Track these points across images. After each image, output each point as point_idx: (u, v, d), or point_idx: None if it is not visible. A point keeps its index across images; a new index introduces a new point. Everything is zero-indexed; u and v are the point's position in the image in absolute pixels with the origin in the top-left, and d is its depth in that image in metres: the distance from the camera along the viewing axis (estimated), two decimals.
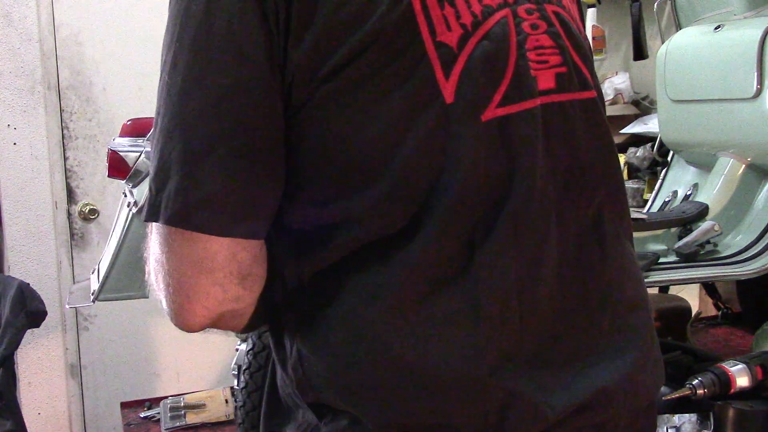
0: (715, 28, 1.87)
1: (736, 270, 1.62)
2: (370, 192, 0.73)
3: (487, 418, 0.74)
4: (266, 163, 0.73)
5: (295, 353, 0.79)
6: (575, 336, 0.79)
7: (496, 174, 0.75)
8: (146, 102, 2.58)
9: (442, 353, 0.73)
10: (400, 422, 0.75)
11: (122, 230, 1.72)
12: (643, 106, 3.13)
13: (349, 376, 0.75)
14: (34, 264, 2.60)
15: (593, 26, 3.03)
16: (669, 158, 2.17)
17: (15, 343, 2.05)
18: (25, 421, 2.20)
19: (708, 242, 1.67)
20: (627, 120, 3.02)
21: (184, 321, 0.77)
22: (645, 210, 2.14)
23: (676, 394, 1.38)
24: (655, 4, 2.35)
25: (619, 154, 3.17)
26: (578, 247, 0.80)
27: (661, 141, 2.19)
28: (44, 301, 2.12)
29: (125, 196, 1.76)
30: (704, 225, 1.70)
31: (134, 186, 1.72)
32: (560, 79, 0.79)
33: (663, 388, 1.44)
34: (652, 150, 2.45)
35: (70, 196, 2.68)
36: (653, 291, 2.07)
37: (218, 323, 0.79)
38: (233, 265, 0.75)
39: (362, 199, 0.74)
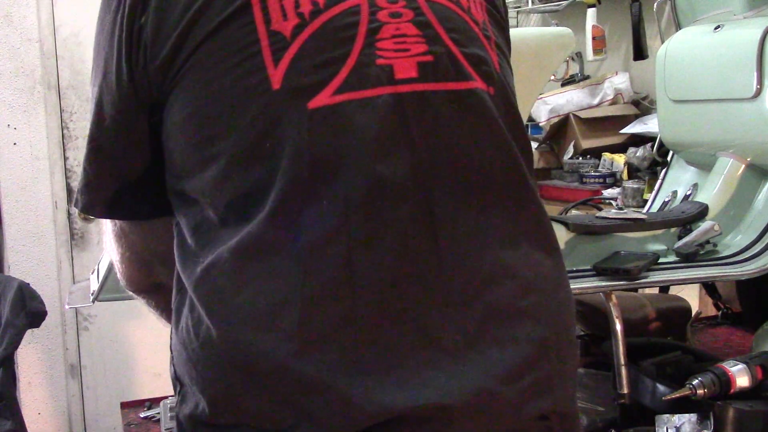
0: (715, 28, 1.87)
1: (736, 270, 1.62)
2: (206, 175, 0.77)
3: (290, 403, 0.72)
4: (121, 158, 0.86)
5: (172, 331, 0.85)
6: (425, 332, 0.75)
7: (323, 160, 0.75)
8: None
9: (254, 335, 0.73)
10: (223, 401, 0.76)
11: None
12: (643, 106, 3.13)
13: (186, 354, 0.79)
14: (34, 264, 2.60)
15: (593, 26, 3.03)
16: (669, 158, 2.16)
17: (15, 343, 2.05)
18: (25, 421, 2.20)
19: (708, 242, 1.67)
20: (627, 120, 3.02)
21: (124, 284, 0.99)
22: (645, 210, 2.13)
23: (676, 394, 1.37)
24: (655, 4, 2.35)
25: (619, 154, 3.15)
26: (447, 241, 0.76)
27: (660, 141, 2.19)
28: (44, 301, 2.12)
29: None
30: (704, 225, 1.70)
31: None
32: (424, 68, 0.78)
33: (663, 388, 1.44)
34: (652, 150, 2.45)
35: (70, 196, 2.68)
36: (653, 291, 2.07)
37: (156, 292, 0.99)
38: (142, 247, 0.93)
39: (199, 182, 0.78)
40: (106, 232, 0.96)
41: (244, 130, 0.76)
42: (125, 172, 0.87)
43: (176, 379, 0.83)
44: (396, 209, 0.75)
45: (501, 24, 0.92)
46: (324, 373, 0.71)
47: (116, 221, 0.93)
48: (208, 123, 0.77)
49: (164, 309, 1.00)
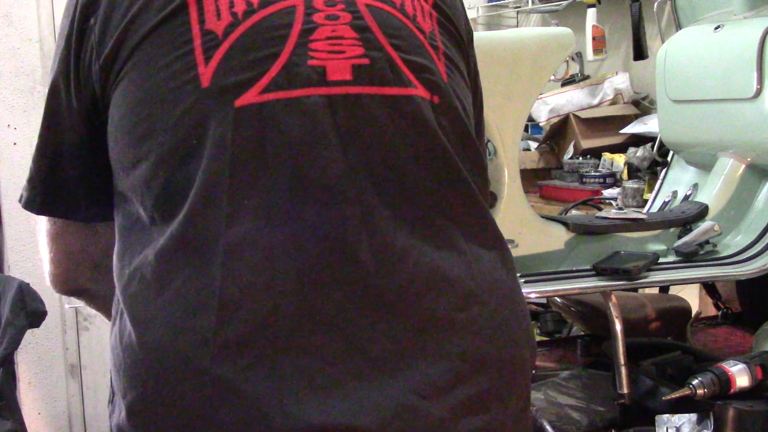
0: (715, 28, 1.87)
1: (736, 270, 1.62)
2: (137, 173, 0.77)
3: (200, 415, 0.70)
4: (67, 159, 0.86)
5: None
6: (351, 340, 0.72)
7: (246, 160, 0.74)
8: None
9: (171, 339, 0.72)
10: (138, 411, 0.74)
11: None
12: (643, 106, 3.13)
13: (113, 361, 0.79)
14: (34, 264, 2.60)
15: (593, 26, 3.03)
16: (669, 158, 2.17)
17: (15, 343, 2.05)
18: (25, 421, 2.20)
19: (708, 242, 1.67)
20: (627, 120, 3.02)
21: (50, 284, 0.96)
22: (645, 210, 2.13)
23: (676, 394, 1.37)
24: (655, 4, 2.35)
25: (619, 154, 3.15)
26: (382, 247, 0.75)
27: (661, 141, 2.19)
28: (44, 301, 2.12)
29: None
30: (704, 225, 1.70)
31: None
32: (359, 71, 0.77)
33: (663, 388, 1.44)
34: (652, 150, 2.45)
35: None
36: (653, 291, 2.07)
37: (83, 295, 0.97)
38: (77, 248, 0.92)
39: (132, 180, 0.78)
40: (40, 231, 0.94)
41: (172, 127, 0.75)
42: (64, 169, 0.86)
43: (111, 388, 0.82)
44: (323, 212, 0.74)
45: (455, 36, 0.89)
46: (238, 377, 0.69)
47: (54, 221, 0.91)
48: (140, 121, 0.77)
49: (100, 310, 1.00)
